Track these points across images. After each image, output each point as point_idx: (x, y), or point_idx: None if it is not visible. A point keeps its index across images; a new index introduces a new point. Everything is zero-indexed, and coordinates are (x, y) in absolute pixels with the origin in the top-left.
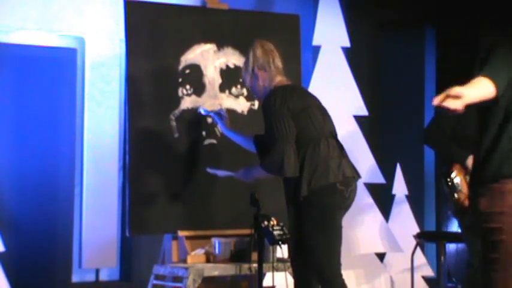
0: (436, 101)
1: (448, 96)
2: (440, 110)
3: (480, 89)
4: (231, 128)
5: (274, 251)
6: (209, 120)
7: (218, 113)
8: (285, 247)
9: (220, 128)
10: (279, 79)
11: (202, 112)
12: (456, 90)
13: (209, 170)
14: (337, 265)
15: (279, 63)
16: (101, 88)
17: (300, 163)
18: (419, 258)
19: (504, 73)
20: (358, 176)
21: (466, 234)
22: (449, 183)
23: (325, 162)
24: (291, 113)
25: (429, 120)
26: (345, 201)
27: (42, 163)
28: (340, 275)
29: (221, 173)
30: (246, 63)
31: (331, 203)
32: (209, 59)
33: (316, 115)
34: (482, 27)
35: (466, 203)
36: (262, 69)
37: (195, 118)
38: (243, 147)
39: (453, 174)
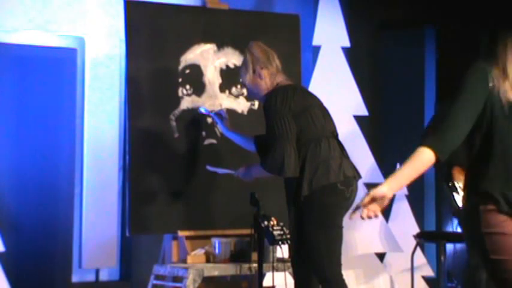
0: (352, 216)
1: (364, 205)
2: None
3: (410, 171)
4: (231, 128)
5: (274, 251)
6: (209, 120)
7: (218, 114)
8: (285, 247)
9: (220, 129)
10: (280, 79)
11: (203, 111)
12: (372, 193)
13: (209, 168)
14: (338, 265)
15: (278, 62)
16: (101, 88)
17: (301, 163)
18: (419, 258)
19: (458, 128)
20: (359, 176)
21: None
22: (450, 185)
23: (326, 162)
24: (292, 113)
25: (428, 120)
26: (345, 201)
27: (42, 163)
28: (341, 275)
29: (221, 170)
30: (245, 64)
31: (332, 203)
32: (209, 59)
33: (317, 115)
34: (482, 28)
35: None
36: (265, 68)
37: (195, 118)
38: (243, 147)
39: (454, 179)
